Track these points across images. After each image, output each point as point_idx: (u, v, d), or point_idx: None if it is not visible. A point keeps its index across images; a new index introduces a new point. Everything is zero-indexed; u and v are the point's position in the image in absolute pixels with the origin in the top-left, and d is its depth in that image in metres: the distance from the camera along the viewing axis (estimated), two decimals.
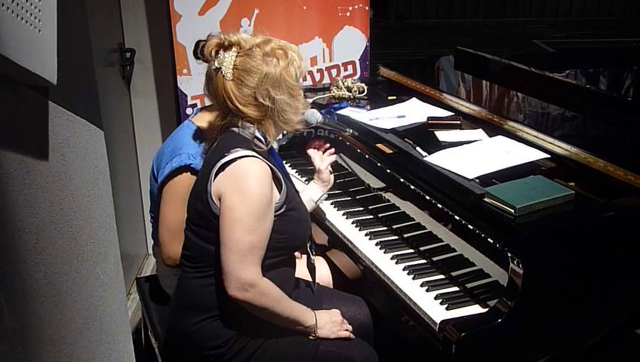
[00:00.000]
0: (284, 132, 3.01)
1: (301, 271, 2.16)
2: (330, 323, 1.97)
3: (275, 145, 1.95)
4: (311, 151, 2.31)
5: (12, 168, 1.26)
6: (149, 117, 3.52)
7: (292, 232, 1.90)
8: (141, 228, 3.62)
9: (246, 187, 1.76)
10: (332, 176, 2.30)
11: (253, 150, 1.82)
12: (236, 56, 1.82)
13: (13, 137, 1.27)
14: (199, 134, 2.15)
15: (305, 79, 3.28)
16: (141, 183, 3.57)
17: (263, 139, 1.87)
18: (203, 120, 2.19)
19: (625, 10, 13.32)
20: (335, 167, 2.69)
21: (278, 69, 1.82)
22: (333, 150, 2.32)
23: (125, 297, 2.04)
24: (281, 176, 1.87)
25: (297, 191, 2.03)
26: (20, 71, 1.22)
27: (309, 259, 2.15)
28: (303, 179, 2.78)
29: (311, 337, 1.93)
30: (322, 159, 2.29)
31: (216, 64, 1.83)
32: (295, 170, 2.81)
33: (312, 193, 2.29)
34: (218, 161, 1.79)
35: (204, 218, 1.83)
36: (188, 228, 1.92)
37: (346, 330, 2.00)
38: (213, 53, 1.84)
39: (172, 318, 2.00)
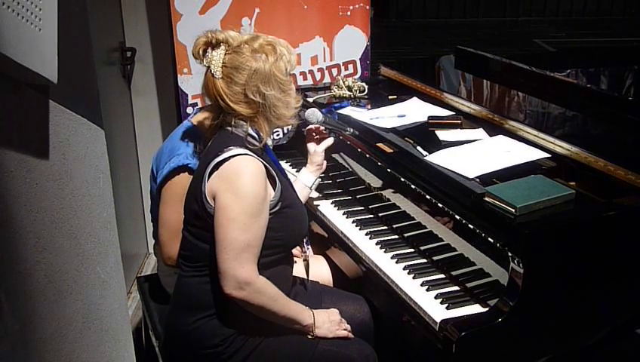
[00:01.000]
0: (285, 131, 3.03)
1: (299, 269, 2.16)
2: (328, 322, 1.96)
3: (270, 142, 1.94)
4: (307, 132, 2.31)
5: (13, 167, 1.26)
6: (150, 116, 3.52)
7: (289, 229, 1.89)
8: (142, 227, 3.62)
9: (239, 185, 1.76)
10: (325, 162, 2.30)
11: (247, 148, 1.82)
12: (224, 54, 1.82)
13: (14, 136, 1.27)
14: (198, 134, 2.15)
15: (305, 78, 3.28)
16: (141, 182, 3.57)
17: (256, 137, 1.87)
18: (202, 119, 2.19)
19: (625, 9, 13.32)
20: (335, 166, 2.70)
21: (267, 64, 1.82)
22: (331, 139, 2.33)
23: (126, 296, 2.04)
24: (275, 174, 1.87)
25: (294, 189, 2.03)
26: (20, 70, 1.22)
27: (304, 254, 2.15)
28: (294, 170, 2.78)
29: (309, 336, 1.93)
30: (318, 142, 2.30)
31: (204, 63, 1.83)
32: (295, 170, 2.81)
33: (304, 179, 2.29)
34: (212, 161, 1.80)
35: (200, 218, 1.83)
36: (185, 228, 1.92)
37: (345, 329, 2.00)
38: (201, 52, 1.84)
39: (171, 317, 2.00)
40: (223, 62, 1.81)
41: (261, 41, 1.85)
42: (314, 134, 2.33)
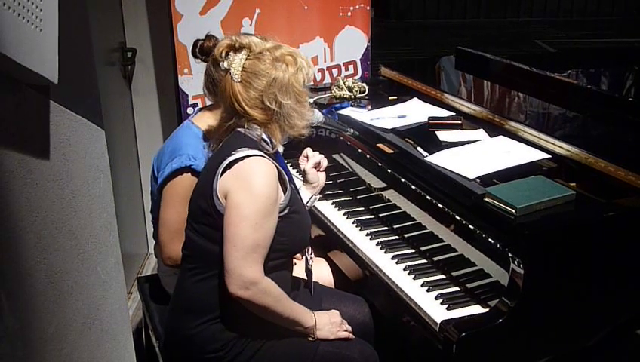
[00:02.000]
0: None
1: (299, 272, 2.16)
2: (329, 324, 1.96)
3: (280, 149, 1.95)
4: (300, 159, 2.29)
5: (13, 167, 1.26)
6: (150, 116, 3.52)
7: (293, 235, 1.90)
8: (142, 227, 3.62)
9: (253, 185, 1.77)
10: (322, 176, 2.24)
11: (261, 150, 1.83)
12: (246, 59, 1.84)
13: (15, 136, 1.27)
14: (199, 134, 2.15)
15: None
16: (142, 182, 3.58)
17: (269, 142, 1.88)
18: (203, 120, 2.20)
19: (626, 10, 13.31)
20: (336, 166, 2.70)
21: (286, 74, 1.84)
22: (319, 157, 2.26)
23: (126, 296, 2.04)
24: (286, 178, 1.88)
25: (300, 196, 2.04)
26: (21, 70, 1.22)
27: (307, 264, 2.15)
28: (295, 170, 2.78)
29: (310, 338, 1.93)
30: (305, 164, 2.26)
31: (225, 65, 1.85)
32: (296, 170, 2.81)
33: (301, 195, 2.27)
34: (225, 159, 1.80)
35: (208, 215, 1.83)
36: (189, 226, 1.92)
37: (345, 331, 2.00)
38: (223, 54, 1.86)
39: (171, 321, 2.00)
40: (243, 67, 1.83)
41: (283, 51, 1.87)
42: (305, 158, 2.27)
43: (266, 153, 1.85)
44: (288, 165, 2.86)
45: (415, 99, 2.81)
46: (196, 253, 1.89)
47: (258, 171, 1.79)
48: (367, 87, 3.02)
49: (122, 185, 3.20)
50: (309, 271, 2.15)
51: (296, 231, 1.91)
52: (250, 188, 1.77)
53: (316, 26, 3.26)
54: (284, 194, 1.86)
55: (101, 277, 1.73)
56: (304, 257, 2.17)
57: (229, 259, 1.76)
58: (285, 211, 1.85)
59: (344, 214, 2.48)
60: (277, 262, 1.87)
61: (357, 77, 3.36)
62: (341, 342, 1.97)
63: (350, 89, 3.00)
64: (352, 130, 2.40)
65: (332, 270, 2.42)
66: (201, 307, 1.88)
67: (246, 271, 1.75)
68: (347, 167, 2.65)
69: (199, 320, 1.88)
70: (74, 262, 1.55)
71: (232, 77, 1.83)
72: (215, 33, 2.22)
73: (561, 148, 2.15)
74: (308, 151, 2.25)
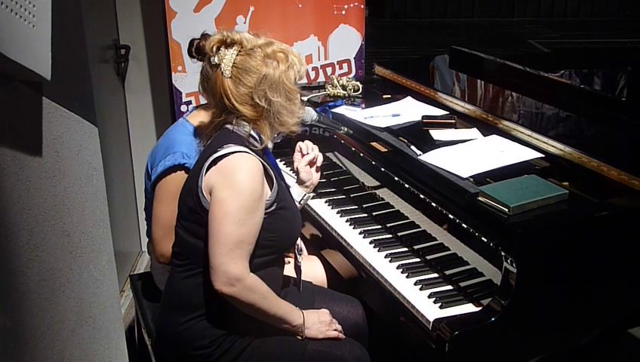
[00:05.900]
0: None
1: (291, 270, 2.16)
2: (318, 323, 1.96)
3: (270, 145, 1.94)
4: (295, 155, 2.27)
5: (5, 164, 1.25)
6: (144, 114, 3.51)
7: (282, 231, 1.90)
8: (135, 225, 3.61)
9: (237, 181, 1.76)
10: (315, 176, 2.22)
11: (247, 147, 1.83)
12: (237, 55, 1.83)
13: (7, 133, 1.27)
14: (194, 133, 2.15)
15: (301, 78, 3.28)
16: (135, 180, 3.56)
17: (257, 138, 1.88)
18: (198, 118, 2.19)
19: (619, 11, 13.37)
20: (329, 165, 2.70)
21: (277, 71, 1.83)
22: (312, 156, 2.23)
23: (118, 294, 2.03)
24: (273, 174, 1.87)
25: (290, 192, 2.04)
26: (13, 66, 1.21)
27: (295, 260, 2.15)
28: (289, 168, 2.78)
29: (298, 337, 1.93)
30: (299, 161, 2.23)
31: (216, 60, 1.84)
32: (290, 168, 2.81)
33: (294, 192, 2.28)
34: (210, 156, 1.80)
35: (195, 212, 1.83)
36: (178, 224, 1.92)
37: (335, 330, 1.99)
38: (214, 49, 1.85)
39: (161, 317, 2.00)
40: (233, 63, 1.82)
41: (274, 48, 1.87)
42: (299, 155, 2.24)
43: (252, 149, 1.84)
44: (282, 163, 2.87)
45: (409, 97, 2.82)
46: (185, 250, 1.89)
47: (242, 167, 1.78)
48: (361, 86, 3.02)
49: (115, 182, 3.19)
50: (298, 269, 2.14)
51: (284, 228, 1.91)
52: (234, 184, 1.76)
53: (310, 24, 3.25)
54: (271, 190, 1.86)
55: (94, 274, 1.73)
56: (293, 254, 2.16)
57: (214, 256, 1.75)
58: (273, 207, 1.85)
59: (337, 212, 2.48)
60: (266, 259, 1.87)
61: (351, 75, 3.36)
62: (331, 341, 1.96)
63: (344, 87, 3.00)
64: (345, 129, 2.40)
65: (325, 268, 2.42)
66: (189, 304, 1.88)
67: (230, 267, 1.75)
68: (341, 165, 2.65)
69: (188, 317, 1.88)
70: (66, 260, 1.55)
71: (222, 72, 1.83)
72: (209, 31, 2.21)
73: (555, 147, 2.16)
74: (301, 145, 2.22)
